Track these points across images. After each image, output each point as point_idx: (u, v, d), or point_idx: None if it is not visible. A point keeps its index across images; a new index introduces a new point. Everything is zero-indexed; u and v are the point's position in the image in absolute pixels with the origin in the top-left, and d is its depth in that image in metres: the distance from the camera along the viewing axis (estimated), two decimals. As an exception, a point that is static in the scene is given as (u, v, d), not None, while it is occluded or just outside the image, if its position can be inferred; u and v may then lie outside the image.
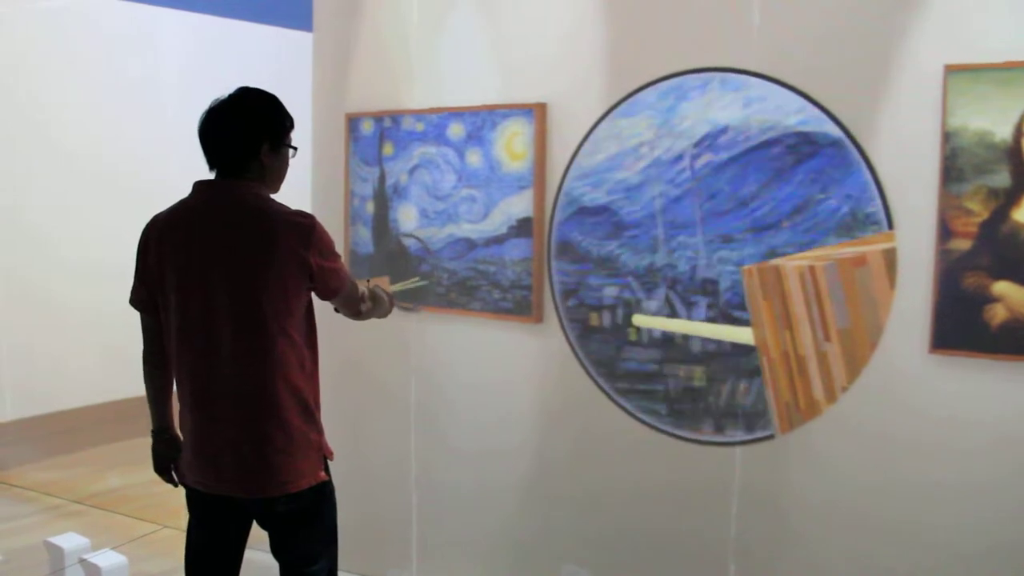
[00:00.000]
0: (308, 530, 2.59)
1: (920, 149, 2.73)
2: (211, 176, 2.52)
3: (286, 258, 2.41)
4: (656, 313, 3.19)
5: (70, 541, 3.83)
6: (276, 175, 2.55)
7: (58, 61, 5.91)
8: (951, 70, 2.66)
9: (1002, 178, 2.62)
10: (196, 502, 2.60)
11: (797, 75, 2.90)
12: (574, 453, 3.46)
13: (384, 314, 2.89)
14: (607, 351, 3.31)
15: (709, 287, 3.09)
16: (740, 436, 3.08)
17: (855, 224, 2.82)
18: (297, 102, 4.43)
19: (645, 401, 3.26)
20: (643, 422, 3.26)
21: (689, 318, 3.14)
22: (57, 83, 5.91)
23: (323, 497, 2.60)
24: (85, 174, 6.07)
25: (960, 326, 2.70)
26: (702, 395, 3.14)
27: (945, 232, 2.70)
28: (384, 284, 3.04)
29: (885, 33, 2.79)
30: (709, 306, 3.10)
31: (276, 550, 2.62)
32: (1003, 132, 2.61)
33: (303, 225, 2.45)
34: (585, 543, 3.46)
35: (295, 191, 4.84)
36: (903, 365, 2.81)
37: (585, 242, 3.34)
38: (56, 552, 3.80)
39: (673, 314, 3.15)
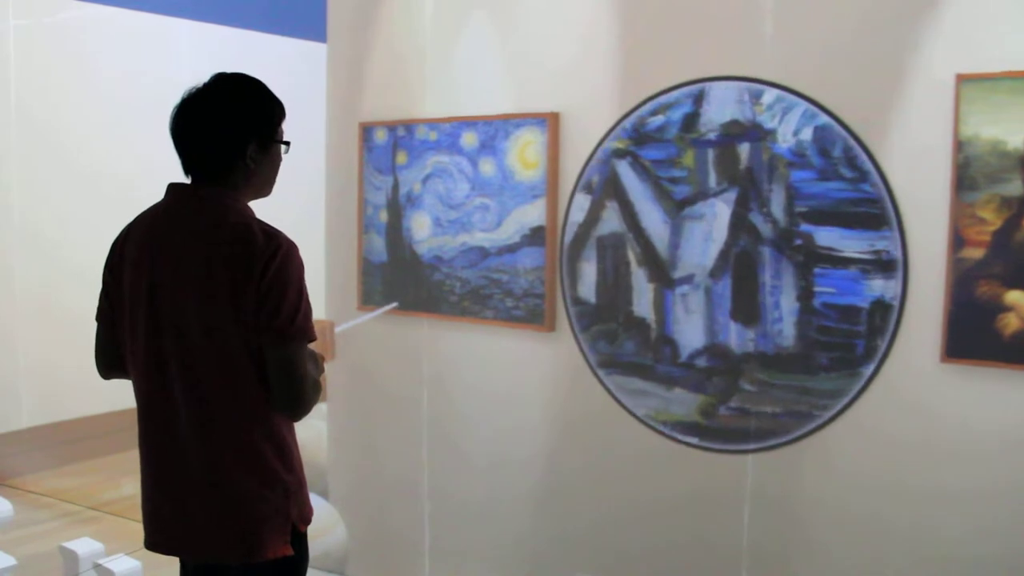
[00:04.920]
0: None
1: (932, 158, 2.74)
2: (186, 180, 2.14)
3: (235, 282, 1.96)
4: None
5: (85, 546, 3.84)
6: (266, 178, 2.12)
7: (74, 74, 5.95)
8: (963, 79, 2.66)
9: (1015, 187, 2.62)
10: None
11: (809, 84, 2.91)
12: (586, 462, 3.46)
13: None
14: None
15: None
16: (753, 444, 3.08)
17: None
18: (311, 112, 4.46)
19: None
20: (655, 430, 3.26)
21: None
22: (73, 96, 5.95)
23: None
24: (101, 187, 6.10)
25: (973, 335, 2.69)
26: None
27: (958, 241, 2.70)
28: (318, 333, 2.25)
29: (897, 42, 2.79)
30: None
31: None
32: (1016, 141, 2.61)
33: (264, 248, 1.97)
34: (597, 552, 3.45)
35: (309, 200, 4.87)
36: (916, 373, 2.80)
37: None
38: (71, 557, 3.81)
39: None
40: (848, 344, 2.89)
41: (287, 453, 2.06)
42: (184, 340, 2.01)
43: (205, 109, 2.05)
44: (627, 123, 3.25)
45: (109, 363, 2.21)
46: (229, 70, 2.12)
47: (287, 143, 2.15)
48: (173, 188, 2.12)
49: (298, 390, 1.98)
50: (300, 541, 2.11)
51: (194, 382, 2.02)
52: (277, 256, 1.96)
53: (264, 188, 2.15)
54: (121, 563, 3.70)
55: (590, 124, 3.34)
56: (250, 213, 2.08)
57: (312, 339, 2.03)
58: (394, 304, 3.75)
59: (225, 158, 2.05)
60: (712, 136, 3.07)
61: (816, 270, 2.92)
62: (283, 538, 2.04)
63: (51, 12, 5.79)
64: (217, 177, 2.06)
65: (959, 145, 2.68)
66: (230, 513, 2.02)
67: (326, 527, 4.04)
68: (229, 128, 2.04)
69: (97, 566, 3.73)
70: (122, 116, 6.18)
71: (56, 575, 3.88)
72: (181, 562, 2.24)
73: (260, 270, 1.95)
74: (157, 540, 2.13)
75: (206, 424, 2.02)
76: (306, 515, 2.12)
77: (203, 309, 1.99)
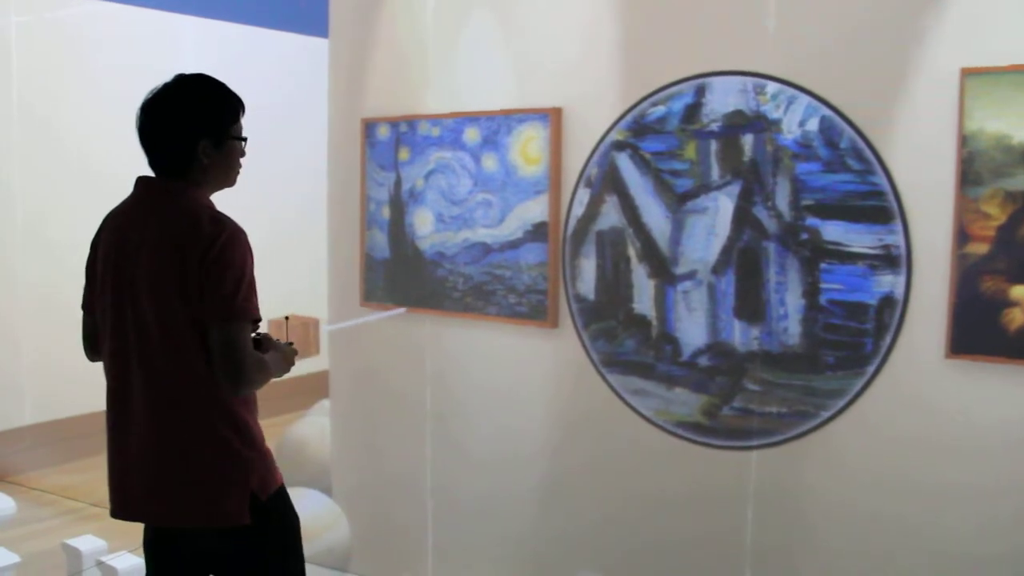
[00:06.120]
0: None
1: (937, 153, 2.72)
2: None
3: (182, 268, 2.08)
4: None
5: (88, 543, 3.85)
6: (223, 171, 2.24)
7: (76, 70, 5.94)
8: (968, 73, 2.65)
9: (1020, 181, 2.60)
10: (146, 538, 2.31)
11: (813, 79, 2.89)
12: (589, 459, 3.45)
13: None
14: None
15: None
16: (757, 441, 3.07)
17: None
18: (314, 108, 4.44)
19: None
20: (659, 427, 3.25)
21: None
22: (75, 93, 5.94)
23: (251, 547, 2.18)
24: (104, 185, 6.07)
25: (977, 331, 2.68)
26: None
27: (962, 236, 2.68)
28: (300, 328, 2.37)
29: (901, 37, 2.78)
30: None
31: None
32: (1021, 135, 2.59)
33: (209, 232, 2.09)
34: (600, 550, 3.45)
35: (311, 196, 4.86)
36: (921, 369, 2.79)
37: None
38: (74, 554, 3.82)
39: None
40: (856, 343, 2.87)
41: (244, 430, 2.16)
42: (142, 331, 2.13)
43: (160, 109, 2.20)
44: (628, 115, 3.24)
45: (94, 347, 2.35)
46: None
47: (244, 139, 2.27)
48: (141, 181, 2.25)
49: (238, 368, 2.07)
50: (265, 511, 2.18)
51: (151, 369, 2.13)
52: (221, 238, 2.08)
53: (225, 181, 2.27)
54: (124, 560, 3.70)
55: (593, 119, 3.32)
56: (205, 203, 2.20)
57: (255, 320, 2.13)
58: (401, 310, 3.75)
59: (180, 155, 2.18)
60: (715, 127, 3.05)
61: (823, 265, 2.90)
62: (241, 507, 2.13)
63: (52, 8, 5.78)
64: (176, 172, 2.20)
65: (963, 140, 2.67)
66: (191, 487, 2.13)
67: (329, 524, 4.04)
68: (179, 127, 2.18)
69: (100, 563, 3.74)
70: (125, 113, 6.15)
71: (59, 572, 3.88)
72: (144, 540, 2.31)
73: (204, 252, 2.06)
74: (121, 511, 2.24)
75: (163, 409, 2.14)
76: (267, 485, 2.19)
77: (156, 298, 2.11)
